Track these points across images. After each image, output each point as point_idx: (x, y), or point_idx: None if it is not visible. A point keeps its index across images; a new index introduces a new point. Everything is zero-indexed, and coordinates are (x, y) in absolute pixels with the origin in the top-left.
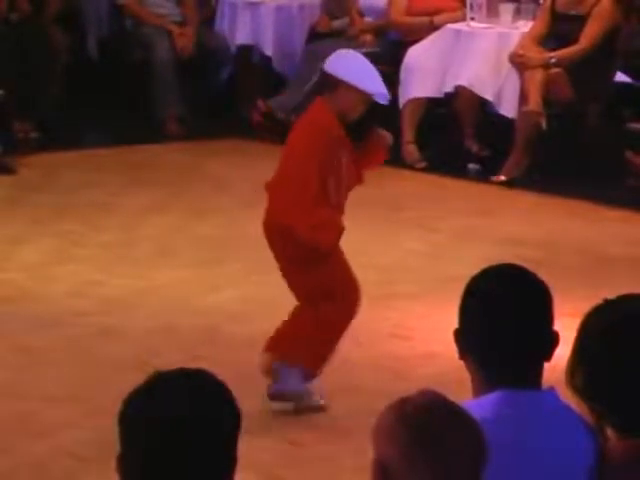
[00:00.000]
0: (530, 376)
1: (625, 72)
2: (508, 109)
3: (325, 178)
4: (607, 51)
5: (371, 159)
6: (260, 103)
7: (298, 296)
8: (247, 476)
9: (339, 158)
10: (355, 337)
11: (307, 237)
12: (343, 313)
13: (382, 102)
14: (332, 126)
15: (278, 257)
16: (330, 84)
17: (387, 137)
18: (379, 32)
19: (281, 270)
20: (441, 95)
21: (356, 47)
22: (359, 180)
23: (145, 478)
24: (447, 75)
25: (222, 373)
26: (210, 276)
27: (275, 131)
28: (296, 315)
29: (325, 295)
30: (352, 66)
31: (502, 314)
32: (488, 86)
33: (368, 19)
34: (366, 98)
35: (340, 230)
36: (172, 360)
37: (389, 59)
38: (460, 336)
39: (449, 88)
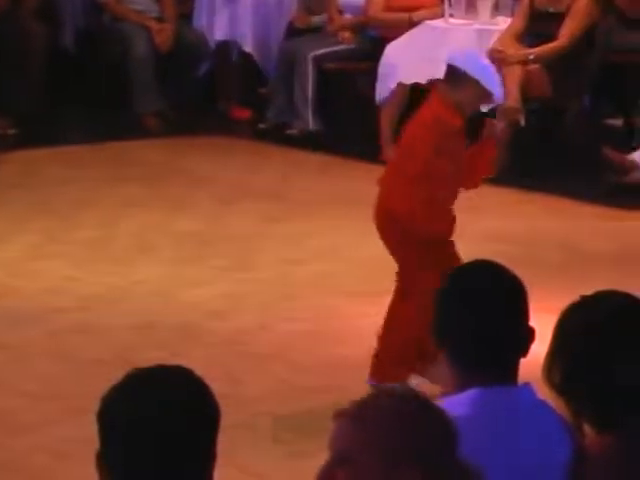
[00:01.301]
0: (506, 372)
1: (603, 68)
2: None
3: (443, 170)
4: (585, 48)
5: (483, 149)
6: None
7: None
8: (228, 473)
9: (459, 149)
10: (335, 335)
11: (424, 228)
12: None
13: (498, 103)
14: (454, 117)
15: (393, 249)
16: (456, 77)
17: (496, 125)
18: (358, 29)
19: (398, 261)
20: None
21: (334, 44)
22: (474, 184)
23: (125, 475)
24: (425, 69)
25: (201, 370)
26: (189, 273)
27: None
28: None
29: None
30: (481, 64)
31: (477, 310)
32: None
33: (347, 15)
34: (487, 97)
35: (454, 221)
36: (151, 357)
37: (367, 56)
38: (436, 332)
39: (425, 82)
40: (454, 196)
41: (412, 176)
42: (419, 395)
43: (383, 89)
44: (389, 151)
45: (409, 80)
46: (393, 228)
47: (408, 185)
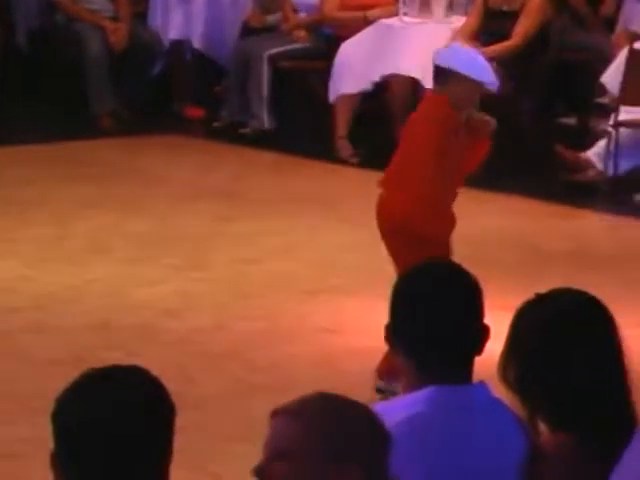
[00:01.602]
0: (461, 370)
1: (557, 67)
2: None
3: (445, 169)
4: (540, 46)
5: (476, 147)
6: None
7: None
8: (184, 472)
9: (457, 148)
10: (288, 333)
11: (421, 229)
12: None
13: (493, 90)
14: (449, 117)
15: (394, 251)
16: (443, 75)
17: (491, 122)
18: (312, 27)
19: (399, 264)
20: (372, 86)
21: (289, 42)
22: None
23: (79, 476)
24: (378, 67)
25: (156, 370)
26: (144, 272)
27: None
28: None
29: None
30: (463, 57)
31: (432, 309)
32: (420, 70)
33: (301, 14)
34: (479, 87)
35: (454, 222)
36: (106, 357)
37: (322, 54)
38: (391, 331)
39: (379, 77)
40: (453, 195)
41: (411, 177)
42: (353, 399)
43: (337, 88)
44: (343, 149)
45: (363, 80)
46: (394, 231)
47: (407, 186)
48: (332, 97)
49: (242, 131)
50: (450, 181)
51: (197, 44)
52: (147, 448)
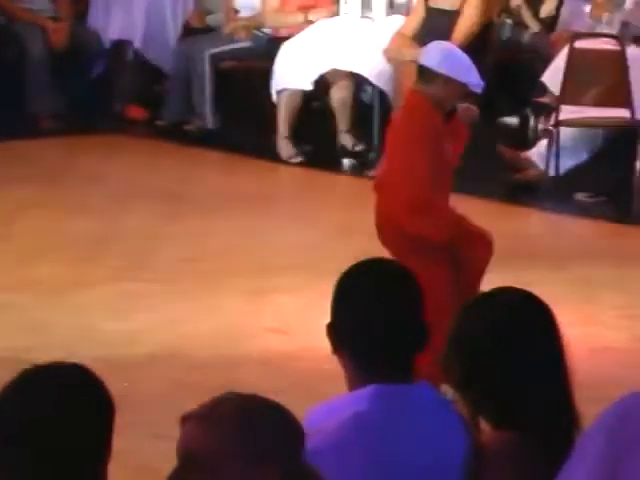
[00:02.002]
0: (404, 370)
1: (498, 67)
2: (384, 85)
3: (435, 168)
4: (480, 46)
5: (457, 139)
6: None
7: None
8: (124, 472)
9: (443, 146)
10: (232, 333)
11: (420, 232)
12: None
13: (478, 91)
14: (432, 117)
15: (397, 253)
16: (427, 76)
17: (474, 110)
18: (254, 28)
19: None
20: (312, 85)
21: (231, 42)
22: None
23: (22, 474)
24: (318, 64)
25: (97, 370)
26: (86, 272)
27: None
28: None
29: None
30: (449, 58)
31: (372, 308)
32: (363, 66)
33: (243, 14)
34: (464, 88)
35: (452, 222)
36: (47, 357)
37: (264, 54)
38: (333, 330)
39: (317, 75)
40: (446, 194)
41: (400, 179)
42: (265, 398)
43: (278, 87)
44: (285, 149)
45: (303, 78)
46: (395, 236)
47: (400, 190)
48: (274, 96)
49: (187, 127)
50: (442, 180)
51: (138, 44)
52: (86, 447)
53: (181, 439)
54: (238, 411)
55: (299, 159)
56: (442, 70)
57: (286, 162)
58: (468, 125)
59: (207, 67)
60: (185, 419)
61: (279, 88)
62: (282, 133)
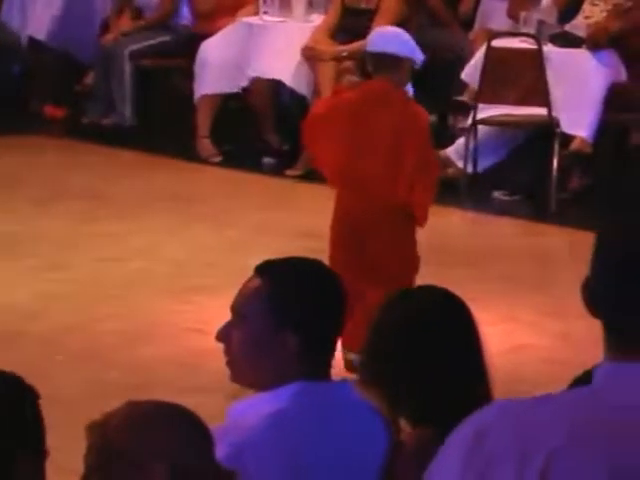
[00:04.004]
0: (324, 367)
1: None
2: (302, 88)
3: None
4: None
5: None
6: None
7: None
8: (49, 475)
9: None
10: (152, 333)
11: (424, 215)
12: None
13: (418, 66)
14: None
15: (382, 239)
16: (391, 63)
17: None
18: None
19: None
20: (237, 89)
21: (150, 39)
22: None
23: None
24: (242, 69)
25: (16, 371)
26: (4, 274)
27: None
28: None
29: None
30: (404, 39)
31: (291, 305)
32: (284, 72)
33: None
34: (413, 65)
35: None
36: None
37: (183, 50)
38: None
39: (245, 82)
40: None
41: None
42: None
43: (200, 88)
44: (204, 149)
45: (227, 82)
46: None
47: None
48: (195, 97)
49: (104, 122)
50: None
51: (56, 43)
52: (17, 448)
53: (86, 450)
54: (125, 416)
55: (219, 158)
56: (405, 53)
57: (205, 161)
58: None
59: (126, 64)
60: (87, 428)
61: (201, 90)
62: (202, 133)
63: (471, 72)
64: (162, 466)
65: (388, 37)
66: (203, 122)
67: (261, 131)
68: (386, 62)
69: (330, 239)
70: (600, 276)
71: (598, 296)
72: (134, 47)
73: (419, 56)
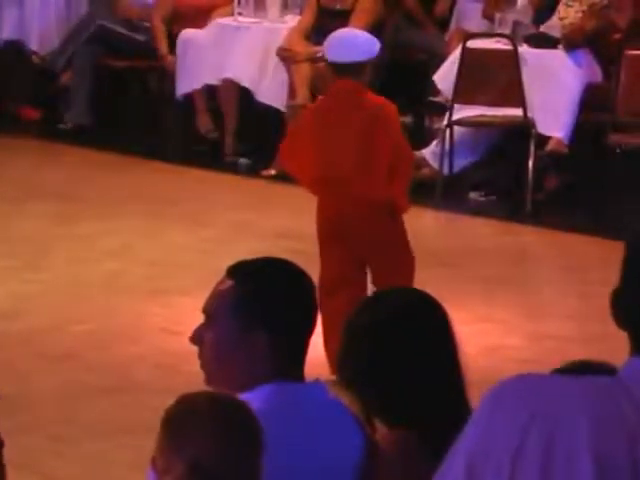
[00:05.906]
0: (297, 368)
1: (392, 66)
2: (273, 100)
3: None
4: None
5: None
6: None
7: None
8: (12, 473)
9: None
10: (127, 334)
11: (404, 201)
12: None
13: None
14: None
15: (374, 237)
16: (359, 69)
17: None
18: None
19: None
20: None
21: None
22: None
23: None
24: (215, 68)
25: None
26: None
27: None
28: None
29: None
30: (362, 42)
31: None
32: (254, 78)
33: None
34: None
35: None
36: None
37: (149, 51)
38: None
39: (216, 81)
40: None
41: (393, 164)
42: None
43: (180, 87)
44: (203, 124)
45: (203, 81)
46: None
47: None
48: (178, 94)
49: (61, 126)
50: None
51: (33, 45)
52: None
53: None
54: (182, 400)
55: (215, 134)
56: (366, 57)
57: (179, 163)
58: None
59: (87, 64)
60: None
61: (181, 90)
62: (200, 106)
63: (445, 73)
64: (181, 464)
65: (347, 46)
66: (199, 96)
67: (225, 132)
68: (349, 69)
69: (319, 245)
70: (631, 286)
71: (629, 306)
72: (99, 47)
73: (376, 48)
